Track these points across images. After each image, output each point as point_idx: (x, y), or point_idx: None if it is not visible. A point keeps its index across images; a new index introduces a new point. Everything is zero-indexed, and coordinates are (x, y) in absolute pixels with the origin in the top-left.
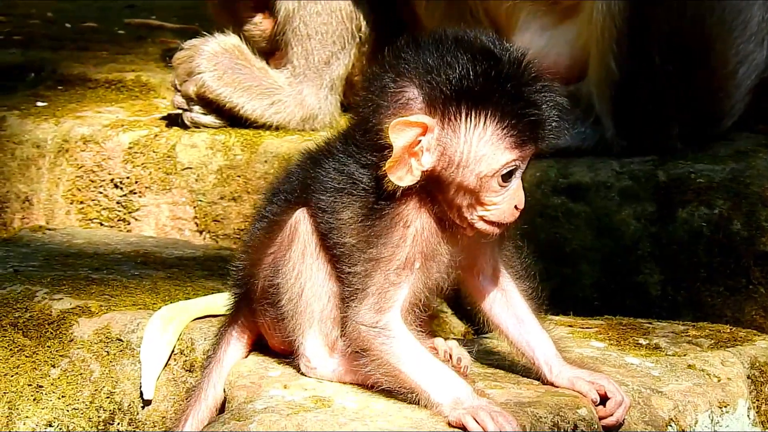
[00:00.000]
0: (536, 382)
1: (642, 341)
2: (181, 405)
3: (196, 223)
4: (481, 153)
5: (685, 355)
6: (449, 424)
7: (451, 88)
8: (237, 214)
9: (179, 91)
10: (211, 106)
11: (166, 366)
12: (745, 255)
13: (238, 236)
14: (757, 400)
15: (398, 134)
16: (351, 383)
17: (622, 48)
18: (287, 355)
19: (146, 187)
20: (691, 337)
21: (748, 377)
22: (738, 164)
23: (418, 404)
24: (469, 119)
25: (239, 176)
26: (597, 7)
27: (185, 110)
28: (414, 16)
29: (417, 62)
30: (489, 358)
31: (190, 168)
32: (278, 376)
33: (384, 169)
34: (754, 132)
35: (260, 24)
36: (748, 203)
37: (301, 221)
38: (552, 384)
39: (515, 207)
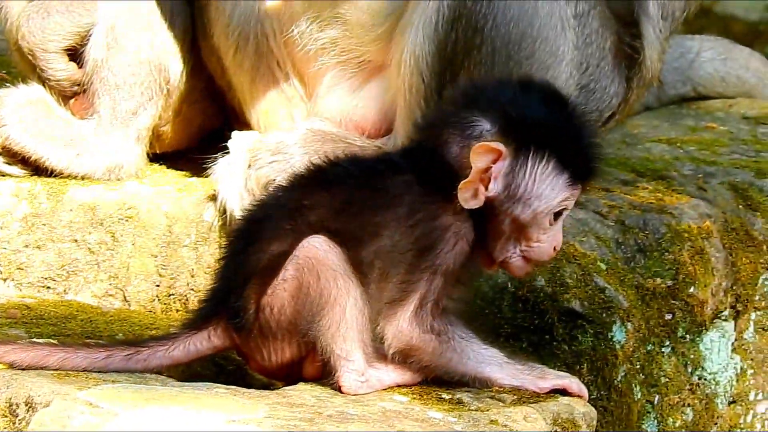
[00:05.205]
0: None
1: (445, 395)
2: None
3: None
4: (542, 189)
5: (488, 410)
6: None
7: (525, 124)
8: (41, 262)
9: None
10: (16, 156)
11: None
12: (549, 311)
13: (42, 284)
14: None
15: (478, 157)
16: (403, 385)
17: (429, 103)
18: (269, 376)
19: None
20: (494, 393)
21: None
22: None
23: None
24: (536, 155)
25: (44, 224)
26: (405, 61)
27: None
28: (222, 68)
29: (490, 98)
30: (292, 410)
31: None
32: (80, 425)
33: (458, 187)
34: None
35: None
36: (553, 259)
37: (322, 249)
38: None
39: (554, 248)
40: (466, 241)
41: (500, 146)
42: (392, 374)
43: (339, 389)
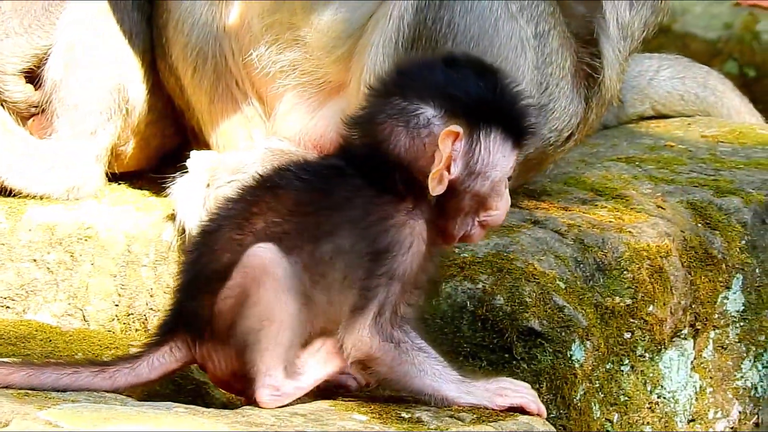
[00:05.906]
0: None
1: (404, 414)
2: None
3: None
4: (496, 159)
5: (447, 430)
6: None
7: (469, 100)
8: (0, 282)
9: None
10: None
11: None
12: (508, 330)
13: (0, 304)
14: None
15: (444, 143)
16: (324, 377)
17: None
18: (227, 388)
19: None
20: (453, 412)
21: None
22: (502, 239)
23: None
24: (484, 129)
25: (3, 244)
26: (365, 81)
27: None
28: (180, 88)
29: (426, 83)
30: (251, 430)
31: None
32: None
33: (431, 175)
34: (519, 207)
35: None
36: (512, 278)
37: (268, 258)
38: None
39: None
40: (421, 239)
41: (458, 128)
42: (311, 374)
43: (256, 403)
